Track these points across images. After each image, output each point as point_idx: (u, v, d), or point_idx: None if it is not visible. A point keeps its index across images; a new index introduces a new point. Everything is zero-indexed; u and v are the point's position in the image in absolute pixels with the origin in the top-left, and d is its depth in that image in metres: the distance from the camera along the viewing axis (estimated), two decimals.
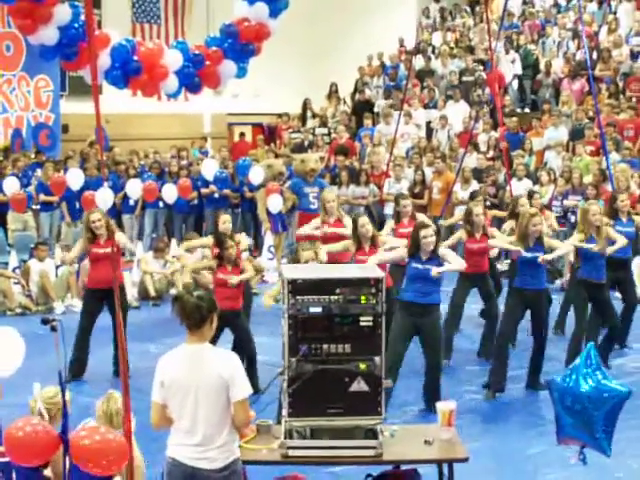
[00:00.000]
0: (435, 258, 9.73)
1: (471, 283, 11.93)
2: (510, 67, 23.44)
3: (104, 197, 14.53)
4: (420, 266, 9.69)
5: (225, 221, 11.85)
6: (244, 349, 10.24)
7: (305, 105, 25.99)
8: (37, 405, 6.64)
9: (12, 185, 16.48)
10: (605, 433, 6.42)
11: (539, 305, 10.65)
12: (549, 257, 10.41)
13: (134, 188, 17.31)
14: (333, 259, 11.12)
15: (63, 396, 6.08)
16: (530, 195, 13.64)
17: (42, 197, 18.03)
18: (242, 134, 25.85)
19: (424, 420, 9.00)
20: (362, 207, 18.74)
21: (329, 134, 24.09)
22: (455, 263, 9.83)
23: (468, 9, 28.56)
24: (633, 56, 22.22)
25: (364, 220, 11.15)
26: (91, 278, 11.66)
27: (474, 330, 12.75)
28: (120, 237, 11.84)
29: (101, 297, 11.31)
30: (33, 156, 20.45)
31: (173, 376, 5.59)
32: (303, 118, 25.92)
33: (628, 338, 12.57)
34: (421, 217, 13.05)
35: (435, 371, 9.97)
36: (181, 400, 5.57)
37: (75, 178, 16.74)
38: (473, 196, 13.64)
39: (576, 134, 19.93)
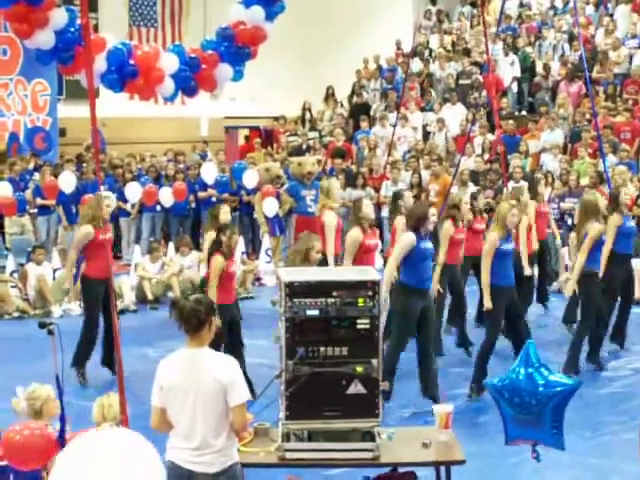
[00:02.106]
0: (430, 236, 10.18)
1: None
2: (509, 70, 23.47)
3: None
4: (427, 245, 9.91)
5: (226, 212, 12.24)
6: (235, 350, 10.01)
7: (304, 108, 26.02)
8: (21, 404, 6.66)
9: (5, 189, 16.46)
10: (556, 428, 6.42)
11: (514, 301, 10.80)
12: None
13: (133, 191, 17.31)
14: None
15: (61, 400, 6.09)
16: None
17: (39, 201, 18.04)
18: (247, 137, 25.90)
19: (421, 422, 9.00)
20: None
21: (321, 137, 24.10)
22: None
23: (465, 12, 28.55)
24: (629, 58, 22.24)
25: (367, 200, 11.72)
26: (96, 267, 10.96)
27: (471, 333, 12.77)
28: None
29: (100, 287, 10.82)
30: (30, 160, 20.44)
31: (172, 380, 5.59)
32: (303, 121, 25.94)
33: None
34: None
35: (432, 357, 10.15)
36: (180, 404, 5.56)
37: (67, 182, 16.72)
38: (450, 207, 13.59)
39: (574, 137, 19.95)
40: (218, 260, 10.08)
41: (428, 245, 9.96)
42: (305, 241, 9.70)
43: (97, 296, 11.17)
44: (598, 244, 11.15)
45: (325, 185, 13.53)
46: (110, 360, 11.07)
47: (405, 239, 9.99)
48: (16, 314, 14.99)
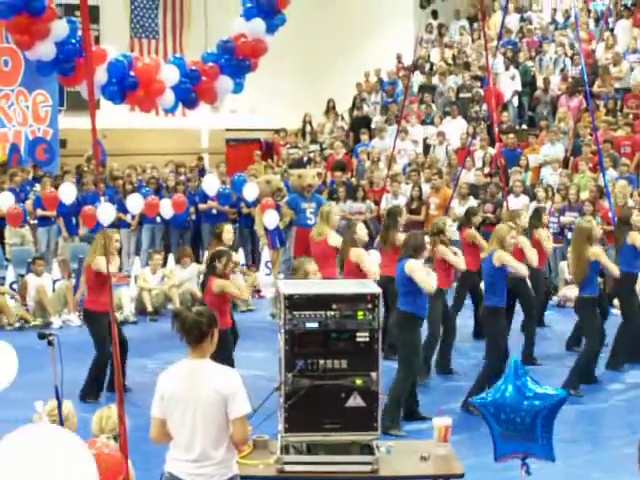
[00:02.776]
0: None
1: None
2: (510, 83, 23.50)
3: (105, 212, 14.51)
4: None
5: (229, 231, 12.05)
6: None
7: (305, 121, 26.04)
8: (43, 421, 6.63)
9: (7, 200, 16.46)
10: (546, 439, 6.42)
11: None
12: None
13: (134, 203, 17.28)
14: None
15: (59, 410, 6.07)
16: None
17: (39, 212, 18.03)
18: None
19: (420, 436, 8.98)
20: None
21: (321, 150, 24.12)
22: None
23: (466, 26, 28.59)
24: (630, 73, 22.26)
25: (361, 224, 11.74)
26: (102, 301, 10.77)
27: (468, 345, 12.78)
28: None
29: (107, 320, 10.56)
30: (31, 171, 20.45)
31: (172, 391, 5.58)
32: (303, 134, 25.96)
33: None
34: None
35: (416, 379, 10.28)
36: (180, 415, 5.56)
37: (67, 193, 16.71)
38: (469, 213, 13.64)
39: (576, 150, 19.97)
40: (217, 282, 10.04)
41: None
42: (300, 268, 9.63)
43: (106, 329, 10.68)
44: (595, 268, 11.12)
45: (326, 210, 12.99)
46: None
47: (421, 267, 9.74)
48: (17, 324, 14.94)
